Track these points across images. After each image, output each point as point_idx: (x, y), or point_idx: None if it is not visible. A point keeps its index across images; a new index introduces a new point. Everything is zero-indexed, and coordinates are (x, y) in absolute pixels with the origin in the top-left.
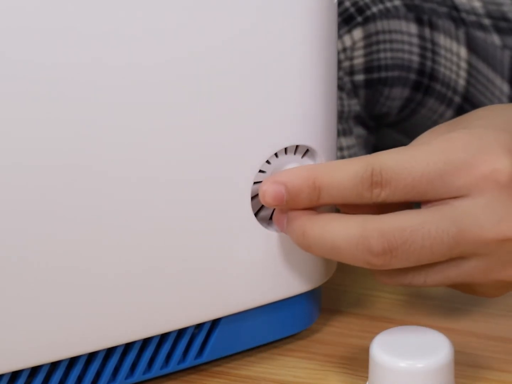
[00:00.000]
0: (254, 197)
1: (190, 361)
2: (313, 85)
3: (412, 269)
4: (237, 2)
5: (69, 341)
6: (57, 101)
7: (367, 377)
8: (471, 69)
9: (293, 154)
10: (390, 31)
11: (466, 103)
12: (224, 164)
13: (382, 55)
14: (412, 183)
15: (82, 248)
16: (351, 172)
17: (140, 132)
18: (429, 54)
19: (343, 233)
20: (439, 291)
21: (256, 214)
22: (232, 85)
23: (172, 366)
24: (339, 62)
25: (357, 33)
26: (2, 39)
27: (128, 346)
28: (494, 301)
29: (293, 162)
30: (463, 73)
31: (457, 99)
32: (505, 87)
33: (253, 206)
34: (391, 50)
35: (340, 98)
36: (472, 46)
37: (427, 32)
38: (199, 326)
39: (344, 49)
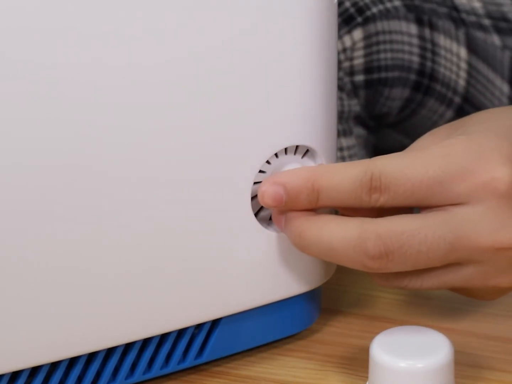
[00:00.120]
0: (254, 197)
1: (190, 361)
2: (313, 85)
3: (409, 273)
4: (237, 2)
5: (69, 341)
6: (57, 101)
7: (367, 377)
8: (471, 70)
9: (293, 154)
10: (390, 32)
11: (466, 104)
12: (224, 164)
13: (382, 55)
14: (411, 189)
15: (82, 248)
16: (350, 176)
17: (140, 132)
18: (429, 55)
19: (340, 235)
20: (439, 291)
21: (256, 214)
22: (232, 85)
23: (172, 366)
24: (339, 62)
25: (357, 33)
26: (2, 39)
27: (128, 346)
28: (494, 301)
29: (293, 162)
30: (463, 74)
31: (457, 99)
32: (505, 88)
33: (253, 206)
34: (391, 50)
35: (340, 99)
36: (472, 47)
37: (427, 32)
38: (199, 326)
39: (344, 50)
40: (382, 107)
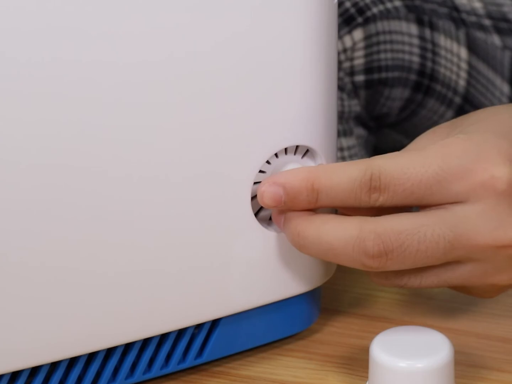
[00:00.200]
0: (254, 197)
1: (190, 361)
2: (314, 85)
3: (408, 271)
4: (237, 2)
5: (69, 341)
6: (57, 101)
7: (367, 377)
8: (472, 70)
9: (293, 154)
10: (390, 32)
11: (467, 104)
12: (224, 164)
13: (382, 55)
14: (410, 188)
15: (82, 248)
16: (350, 176)
17: (140, 132)
18: (429, 55)
19: (339, 234)
20: (439, 291)
21: (256, 214)
22: (232, 85)
23: (172, 366)
24: (340, 62)
25: (358, 33)
26: (2, 39)
27: (128, 346)
28: (494, 301)
29: (293, 163)
30: (463, 74)
31: (457, 99)
32: (505, 88)
33: (253, 206)
34: (392, 50)
35: (340, 99)
36: (472, 47)
37: (427, 33)
38: (199, 326)
39: (345, 50)
40: (382, 107)
